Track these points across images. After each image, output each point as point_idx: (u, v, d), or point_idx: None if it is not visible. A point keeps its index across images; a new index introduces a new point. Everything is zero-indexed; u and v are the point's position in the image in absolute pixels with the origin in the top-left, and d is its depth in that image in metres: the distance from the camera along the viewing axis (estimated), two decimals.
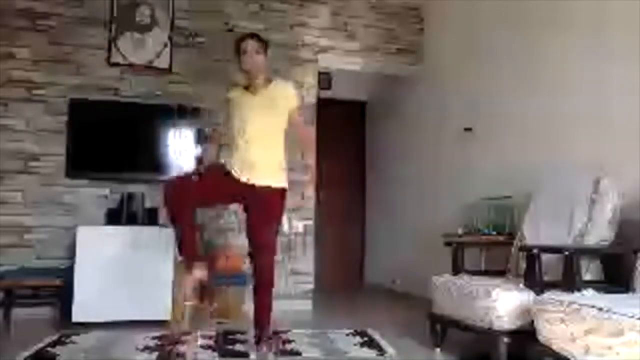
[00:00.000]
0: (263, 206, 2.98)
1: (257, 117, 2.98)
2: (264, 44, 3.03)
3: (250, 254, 3.05)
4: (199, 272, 2.94)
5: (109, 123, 4.21)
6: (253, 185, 2.95)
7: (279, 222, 3.08)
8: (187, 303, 3.11)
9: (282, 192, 3.02)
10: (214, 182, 2.97)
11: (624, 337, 1.90)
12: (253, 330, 3.06)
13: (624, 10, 3.23)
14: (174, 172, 4.23)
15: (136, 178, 4.22)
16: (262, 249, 2.99)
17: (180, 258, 3.03)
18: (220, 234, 4.30)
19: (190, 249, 2.94)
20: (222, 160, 3.07)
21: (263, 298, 3.02)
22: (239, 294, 4.12)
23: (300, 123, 3.16)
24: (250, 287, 4.17)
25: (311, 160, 4.78)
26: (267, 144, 3.00)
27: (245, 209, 3.08)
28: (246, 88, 3.08)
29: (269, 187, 2.97)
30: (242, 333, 3.52)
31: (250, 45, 2.97)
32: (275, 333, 3.52)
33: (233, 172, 2.96)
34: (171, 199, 2.88)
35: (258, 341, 3.01)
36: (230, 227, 4.40)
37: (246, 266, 4.15)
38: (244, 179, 2.95)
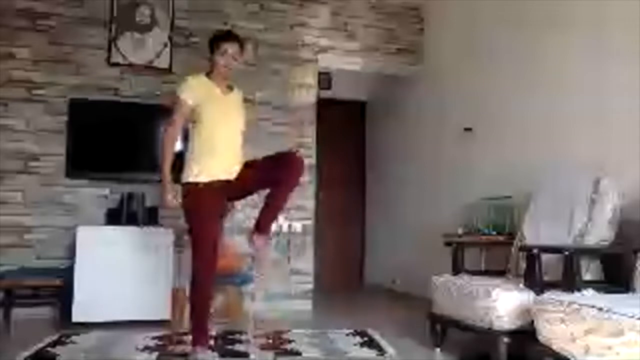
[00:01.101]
0: (244, 176, 2.92)
1: (228, 116, 2.93)
2: (242, 48, 2.97)
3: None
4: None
5: (109, 123, 4.21)
6: (230, 181, 2.89)
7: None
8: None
9: None
10: (216, 204, 2.87)
11: (624, 337, 1.90)
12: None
13: (624, 10, 3.23)
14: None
15: (136, 178, 4.22)
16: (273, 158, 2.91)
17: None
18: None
19: (206, 334, 2.86)
20: (194, 171, 2.84)
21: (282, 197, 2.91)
22: (238, 294, 4.12)
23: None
24: (250, 287, 4.23)
25: (311, 160, 4.80)
26: (236, 143, 2.96)
27: (232, 192, 2.95)
28: (207, 76, 2.94)
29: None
30: (242, 333, 3.52)
31: (232, 49, 2.89)
32: (273, 333, 3.53)
33: (220, 176, 2.85)
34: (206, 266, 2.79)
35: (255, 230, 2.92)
36: (228, 226, 4.39)
37: (246, 266, 4.20)
38: (230, 178, 2.89)
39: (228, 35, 2.97)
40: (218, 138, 2.86)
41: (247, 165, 2.94)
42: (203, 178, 2.80)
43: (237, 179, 2.90)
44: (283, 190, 2.87)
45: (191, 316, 2.83)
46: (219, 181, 2.84)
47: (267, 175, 2.88)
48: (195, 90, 2.86)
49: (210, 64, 2.94)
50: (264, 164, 2.93)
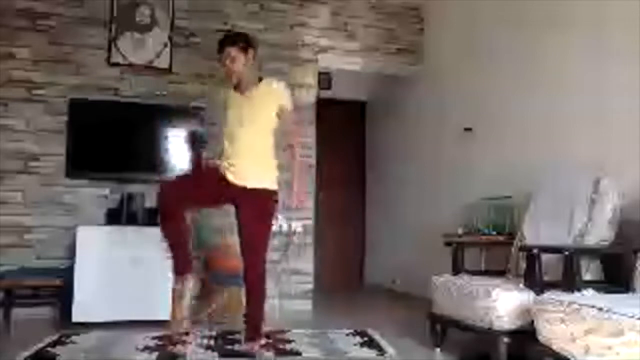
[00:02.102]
0: (255, 207, 2.92)
1: (245, 118, 2.93)
2: (245, 47, 2.94)
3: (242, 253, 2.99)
4: (191, 283, 2.94)
5: (109, 123, 4.20)
6: (245, 188, 2.89)
7: (270, 223, 3.00)
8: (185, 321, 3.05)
9: (273, 194, 2.96)
10: (210, 185, 2.94)
11: (624, 337, 1.90)
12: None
13: (624, 10, 3.23)
14: (173, 172, 4.24)
15: (136, 178, 4.22)
16: (251, 249, 2.94)
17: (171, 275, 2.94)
18: (217, 233, 4.28)
19: (185, 264, 2.91)
20: (217, 162, 3.01)
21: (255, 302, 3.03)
22: (238, 294, 4.11)
23: (289, 120, 3.06)
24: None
25: (311, 160, 4.80)
26: (256, 145, 2.94)
27: (237, 210, 2.98)
28: (235, 87, 3.01)
29: (261, 189, 2.92)
30: (242, 333, 3.51)
31: (228, 52, 2.90)
32: (272, 333, 3.53)
33: (227, 175, 2.90)
34: (167, 197, 2.84)
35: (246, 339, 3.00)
36: (229, 226, 4.38)
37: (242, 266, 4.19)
38: (238, 183, 2.90)
39: (229, 39, 2.97)
40: (227, 144, 2.94)
41: (253, 199, 2.90)
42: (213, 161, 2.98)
43: (234, 189, 2.89)
44: (255, 300, 3.03)
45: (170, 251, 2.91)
46: (220, 173, 2.90)
47: (239, 232, 2.97)
48: (215, 99, 3.08)
49: (224, 71, 2.98)
50: (243, 229, 2.95)
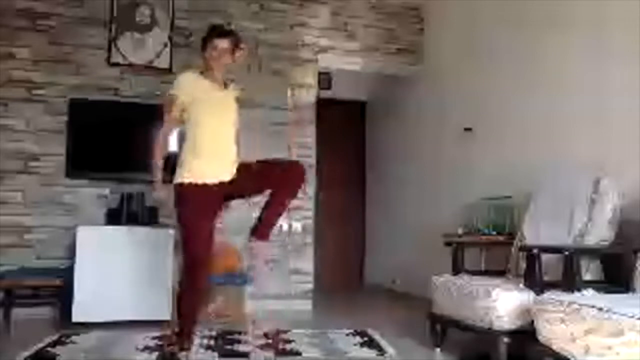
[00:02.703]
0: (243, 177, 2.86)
1: (224, 113, 2.88)
2: (237, 43, 2.89)
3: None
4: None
5: (109, 123, 4.20)
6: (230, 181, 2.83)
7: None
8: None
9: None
10: (212, 199, 2.79)
11: (624, 337, 1.90)
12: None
13: (624, 10, 3.23)
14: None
15: (136, 178, 4.21)
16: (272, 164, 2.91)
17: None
18: (217, 233, 4.28)
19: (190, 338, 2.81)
20: (183, 172, 2.77)
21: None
22: (238, 294, 4.12)
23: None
24: (249, 287, 4.23)
25: (311, 160, 4.80)
26: (232, 142, 2.90)
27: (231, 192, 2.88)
28: (201, 74, 2.89)
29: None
30: (242, 333, 3.52)
31: (223, 44, 2.83)
32: (272, 333, 3.53)
33: (222, 176, 2.80)
34: (199, 252, 2.73)
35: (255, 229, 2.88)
36: (228, 226, 4.38)
37: (245, 266, 4.20)
38: (229, 178, 2.82)
39: (219, 31, 2.90)
40: (207, 137, 2.79)
41: (244, 169, 2.86)
42: (191, 179, 2.74)
43: (231, 182, 2.81)
44: (285, 199, 2.87)
45: (178, 318, 2.79)
46: (209, 184, 2.75)
47: (270, 182, 2.85)
48: (186, 87, 2.82)
49: (204, 61, 2.88)
50: (268, 171, 2.88)
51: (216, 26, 2.99)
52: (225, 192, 2.83)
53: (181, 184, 2.75)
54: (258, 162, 2.90)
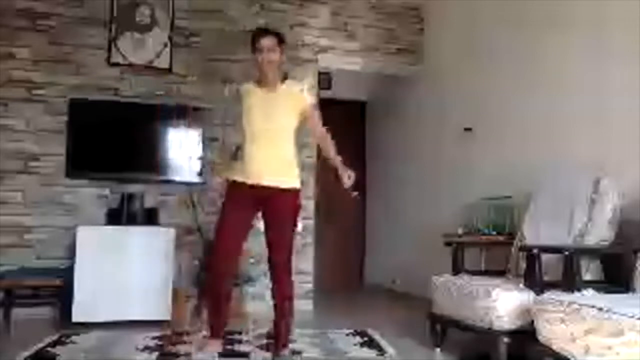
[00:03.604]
0: (286, 207, 2.87)
1: (271, 115, 2.86)
2: (279, 40, 2.90)
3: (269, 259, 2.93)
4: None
5: (109, 123, 4.20)
6: (278, 188, 2.82)
7: (297, 223, 2.94)
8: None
9: (299, 193, 2.93)
10: (246, 201, 2.84)
11: (624, 337, 1.90)
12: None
13: (624, 10, 3.23)
14: (174, 175, 4.25)
15: (136, 178, 4.22)
16: (281, 249, 2.87)
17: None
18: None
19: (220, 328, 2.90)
20: (236, 166, 2.91)
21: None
22: (238, 294, 4.12)
23: (316, 118, 3.06)
24: (250, 287, 4.22)
25: (311, 160, 4.80)
26: (283, 145, 2.89)
27: (266, 213, 2.89)
28: (258, 83, 2.93)
29: (291, 189, 2.87)
30: (242, 333, 3.52)
31: (268, 42, 2.84)
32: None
33: (260, 179, 2.81)
34: (224, 241, 2.83)
35: (275, 349, 2.94)
36: None
37: (244, 265, 4.20)
38: (272, 184, 2.82)
39: (262, 31, 2.94)
40: (251, 141, 2.85)
41: (279, 218, 2.86)
42: (236, 177, 2.87)
43: (267, 206, 2.84)
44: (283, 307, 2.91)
45: (207, 309, 2.94)
46: (248, 184, 2.81)
47: (270, 258, 2.89)
48: (239, 95, 2.94)
49: (257, 69, 2.90)
50: (274, 254, 2.88)
51: (260, 29, 3.03)
52: (258, 201, 2.84)
53: (227, 180, 2.93)
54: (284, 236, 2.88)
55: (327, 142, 3.03)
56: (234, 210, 2.83)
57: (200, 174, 4.31)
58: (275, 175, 2.82)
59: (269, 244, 2.87)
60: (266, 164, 2.83)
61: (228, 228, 2.82)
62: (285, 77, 2.97)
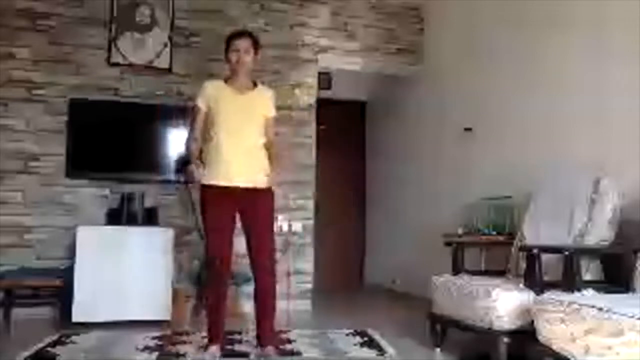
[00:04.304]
0: (265, 207, 2.94)
1: (246, 116, 2.92)
2: (254, 42, 2.96)
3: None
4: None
5: (109, 123, 4.20)
6: (255, 189, 2.88)
7: (273, 221, 3.01)
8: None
9: (271, 191, 2.96)
10: (226, 204, 2.88)
11: (624, 337, 1.90)
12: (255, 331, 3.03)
13: (624, 10, 3.23)
14: (173, 175, 4.24)
15: (136, 178, 4.22)
16: (263, 250, 2.93)
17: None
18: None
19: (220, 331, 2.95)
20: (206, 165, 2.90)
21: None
22: (238, 294, 4.12)
23: (273, 129, 3.08)
24: (248, 287, 4.22)
25: (311, 159, 4.80)
26: (256, 145, 2.95)
27: (245, 214, 2.94)
28: (227, 82, 2.96)
29: (267, 189, 2.93)
30: (242, 333, 3.52)
31: (243, 44, 2.90)
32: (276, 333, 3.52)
33: (236, 180, 2.86)
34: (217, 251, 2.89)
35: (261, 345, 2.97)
36: None
37: (243, 265, 4.19)
38: (249, 185, 2.87)
39: (236, 32, 2.99)
40: (226, 141, 2.86)
41: (254, 216, 2.91)
42: (211, 181, 2.86)
43: (246, 203, 2.87)
44: (266, 301, 2.95)
45: (206, 313, 2.99)
46: (223, 187, 2.84)
47: (251, 257, 2.95)
48: (207, 94, 2.93)
49: (227, 67, 2.96)
50: (254, 250, 2.93)
51: (235, 31, 3.07)
52: (238, 206, 2.90)
53: (202, 185, 2.90)
54: (265, 224, 2.93)
55: (273, 153, 3.03)
56: (218, 215, 2.87)
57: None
58: (251, 176, 2.88)
59: (250, 246, 2.92)
60: (242, 164, 2.88)
61: (217, 232, 2.87)
62: (254, 83, 3.03)
